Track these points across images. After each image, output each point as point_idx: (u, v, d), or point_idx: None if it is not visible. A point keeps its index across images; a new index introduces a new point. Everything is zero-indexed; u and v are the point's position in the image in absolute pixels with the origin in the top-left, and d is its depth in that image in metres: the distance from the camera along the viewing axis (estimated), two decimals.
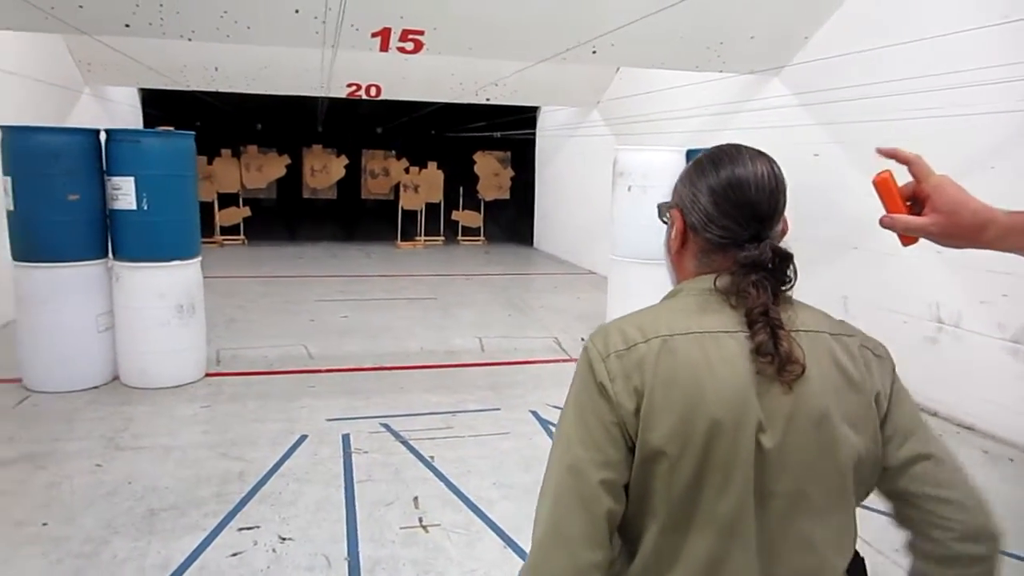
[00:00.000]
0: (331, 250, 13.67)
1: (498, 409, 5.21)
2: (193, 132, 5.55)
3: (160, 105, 13.15)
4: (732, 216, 1.11)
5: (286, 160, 14.29)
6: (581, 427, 1.07)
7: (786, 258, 1.10)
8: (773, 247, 1.09)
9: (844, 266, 6.28)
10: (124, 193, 5.14)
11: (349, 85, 10.44)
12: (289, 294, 9.26)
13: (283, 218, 15.40)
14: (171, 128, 5.62)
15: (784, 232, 1.18)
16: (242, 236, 14.12)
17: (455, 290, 9.87)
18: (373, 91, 10.59)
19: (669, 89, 8.74)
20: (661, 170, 5.78)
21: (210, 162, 13.65)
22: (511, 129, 14.62)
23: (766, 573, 1.03)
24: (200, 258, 5.71)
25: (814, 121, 6.57)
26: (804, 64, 6.64)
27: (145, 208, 5.17)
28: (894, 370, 1.13)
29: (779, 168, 1.16)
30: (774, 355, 1.01)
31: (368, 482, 3.95)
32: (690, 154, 6.25)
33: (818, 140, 6.54)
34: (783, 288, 1.11)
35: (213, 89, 10.19)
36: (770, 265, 1.08)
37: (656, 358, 1.03)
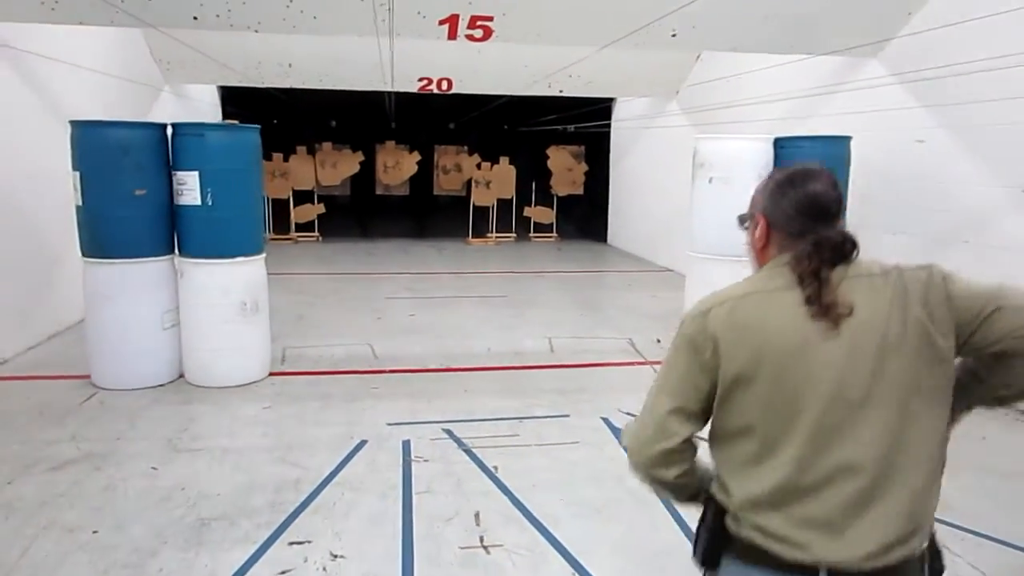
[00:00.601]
0: (403, 246, 13.62)
1: (567, 416, 4.89)
2: (258, 126, 5.43)
3: (239, 103, 13.38)
4: (810, 217, 1.43)
5: (360, 157, 14.32)
6: (667, 374, 1.49)
7: (848, 238, 1.41)
8: (842, 231, 1.42)
9: (953, 262, 5.64)
10: (189, 188, 5.07)
11: (421, 79, 10.29)
12: (358, 291, 9.18)
13: (356, 214, 15.50)
14: (236, 122, 5.52)
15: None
16: (316, 233, 14.23)
17: (525, 288, 9.59)
18: (445, 85, 10.41)
19: (753, 72, 8.20)
20: (746, 161, 5.33)
21: (286, 159, 13.81)
22: (585, 122, 14.23)
23: (839, 461, 1.32)
24: (264, 255, 5.60)
25: (918, 103, 5.97)
26: (906, 39, 6.03)
27: (210, 203, 5.08)
28: (944, 275, 1.41)
29: (838, 182, 1.48)
30: (819, 304, 1.33)
31: (427, 494, 3.70)
32: (778, 143, 5.78)
33: (922, 124, 5.93)
34: (845, 258, 1.40)
35: (287, 85, 10.23)
36: (839, 242, 1.40)
37: (727, 314, 1.40)
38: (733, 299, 1.43)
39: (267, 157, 13.65)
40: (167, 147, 5.17)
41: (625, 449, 1.54)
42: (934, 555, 1.41)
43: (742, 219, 1.58)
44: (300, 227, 14.17)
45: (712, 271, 5.82)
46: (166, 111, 9.92)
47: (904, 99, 6.10)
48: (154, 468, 3.93)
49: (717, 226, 5.69)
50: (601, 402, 5.12)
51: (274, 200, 13.91)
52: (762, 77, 7.95)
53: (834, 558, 1.31)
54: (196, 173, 5.04)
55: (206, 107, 12.34)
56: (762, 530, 1.37)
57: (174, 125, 5.24)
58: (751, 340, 1.36)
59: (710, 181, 5.68)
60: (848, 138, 5.73)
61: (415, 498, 3.65)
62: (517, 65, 10.10)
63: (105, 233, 5.03)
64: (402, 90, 10.45)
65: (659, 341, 6.85)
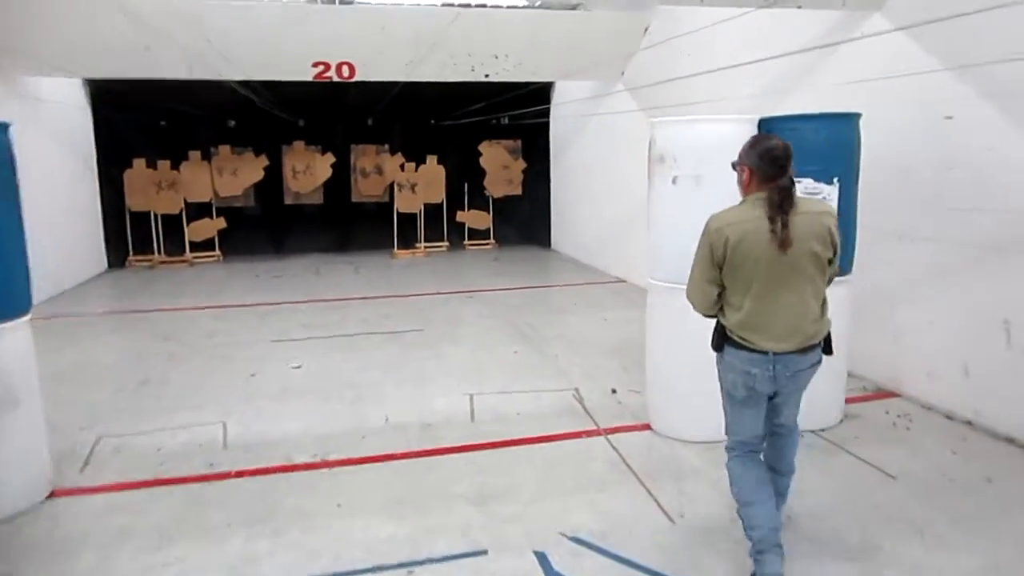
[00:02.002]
0: (317, 264, 11.76)
1: (484, 552, 3.21)
2: (8, 121, 3.57)
3: (117, 105, 11.30)
4: (770, 165, 2.74)
5: (264, 161, 12.39)
6: (700, 259, 2.88)
7: (792, 183, 2.76)
8: (790, 178, 2.75)
9: (1004, 276, 4.17)
10: None
11: (316, 65, 8.49)
12: (242, 332, 7.35)
13: (267, 228, 13.55)
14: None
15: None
16: (218, 252, 12.29)
17: (450, 315, 7.88)
18: (346, 71, 8.62)
19: (715, 36, 6.62)
20: (723, 150, 3.71)
21: (175, 166, 11.81)
22: (522, 112, 12.58)
23: (780, 306, 2.78)
24: (27, 317, 3.75)
25: (944, 66, 4.44)
26: None
27: None
28: (835, 223, 2.85)
29: (787, 144, 2.78)
30: (779, 241, 2.69)
31: None
32: (765, 125, 4.18)
33: (951, 95, 4.41)
34: (791, 196, 2.75)
35: (148, 76, 8.29)
36: (788, 186, 2.74)
37: (731, 231, 2.75)
38: (735, 223, 2.76)
39: (151, 165, 11.68)
40: None
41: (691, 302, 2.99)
42: (827, 340, 2.91)
43: (733, 165, 2.94)
44: (197, 246, 12.20)
45: (675, 306, 4.20)
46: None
47: (923, 61, 4.57)
48: None
49: (686, 241, 4.07)
50: (537, 518, 3.47)
51: (164, 216, 11.93)
52: (728, 42, 6.38)
53: (777, 349, 2.78)
54: None
55: (70, 111, 10.25)
56: (741, 336, 2.82)
57: None
58: (742, 248, 2.73)
59: (674, 181, 4.07)
60: (856, 116, 4.17)
61: None
62: (431, 46, 8.37)
63: None
64: (294, 79, 8.61)
65: (615, 391, 5.24)
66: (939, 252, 4.52)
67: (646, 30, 8.43)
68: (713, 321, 2.95)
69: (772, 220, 2.66)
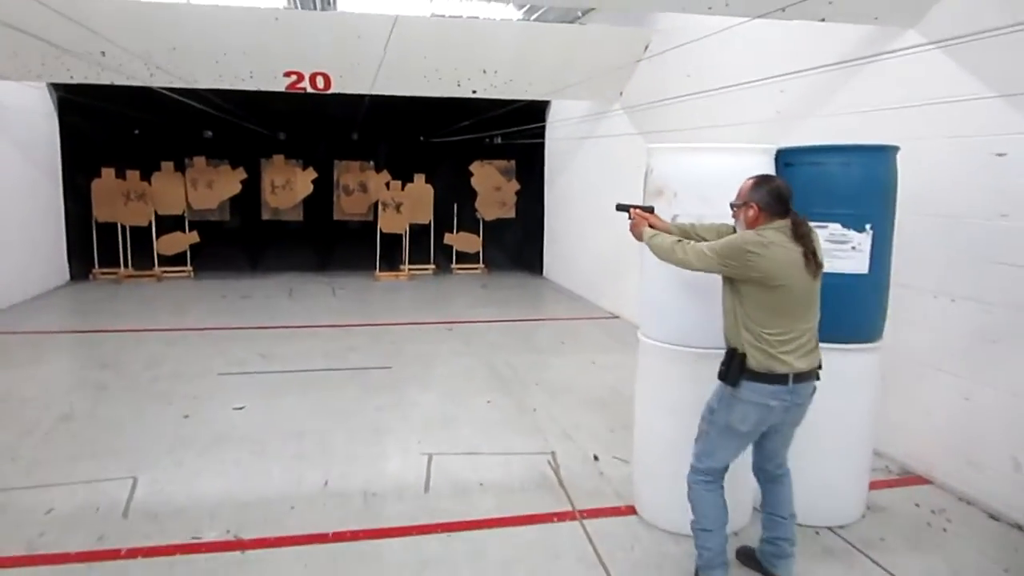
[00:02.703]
0: (293, 283, 11.05)
1: None
2: None
3: (86, 113, 10.63)
4: (779, 201, 2.83)
5: (241, 174, 11.72)
6: (721, 259, 2.86)
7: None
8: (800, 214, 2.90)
9: None
10: None
11: (288, 74, 7.83)
12: (190, 361, 6.62)
13: (243, 245, 12.83)
14: None
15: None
16: (188, 267, 11.58)
17: (425, 351, 7.16)
18: (320, 82, 7.97)
19: (723, 54, 5.99)
20: (736, 184, 3.03)
21: (145, 177, 11.13)
22: (516, 131, 11.94)
23: (804, 329, 2.85)
24: None
25: (994, 92, 3.77)
26: None
27: None
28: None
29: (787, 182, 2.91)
30: (814, 263, 2.81)
31: None
32: (783, 158, 3.51)
33: (1002, 127, 3.74)
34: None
35: (102, 81, 7.62)
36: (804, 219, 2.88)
37: (767, 251, 2.76)
38: (771, 244, 2.76)
39: (120, 175, 11.02)
40: None
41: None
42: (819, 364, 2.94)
43: (733, 205, 2.96)
44: (167, 261, 11.50)
45: (671, 372, 3.51)
46: None
47: (968, 86, 3.90)
48: None
49: (685, 296, 3.38)
50: None
51: (133, 229, 11.24)
52: (736, 61, 5.74)
53: (798, 368, 2.83)
54: None
55: (28, 116, 9.58)
56: (764, 364, 2.81)
57: None
58: (782, 272, 2.76)
59: (673, 220, 3.39)
60: (894, 149, 3.47)
61: None
62: (414, 57, 7.73)
63: None
64: (265, 88, 7.95)
65: (597, 459, 4.51)
66: (984, 314, 3.81)
67: (646, 47, 7.79)
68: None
69: (806, 249, 2.78)
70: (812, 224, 2.93)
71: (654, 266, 3.36)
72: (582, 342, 7.65)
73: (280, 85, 7.91)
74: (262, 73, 7.73)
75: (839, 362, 3.34)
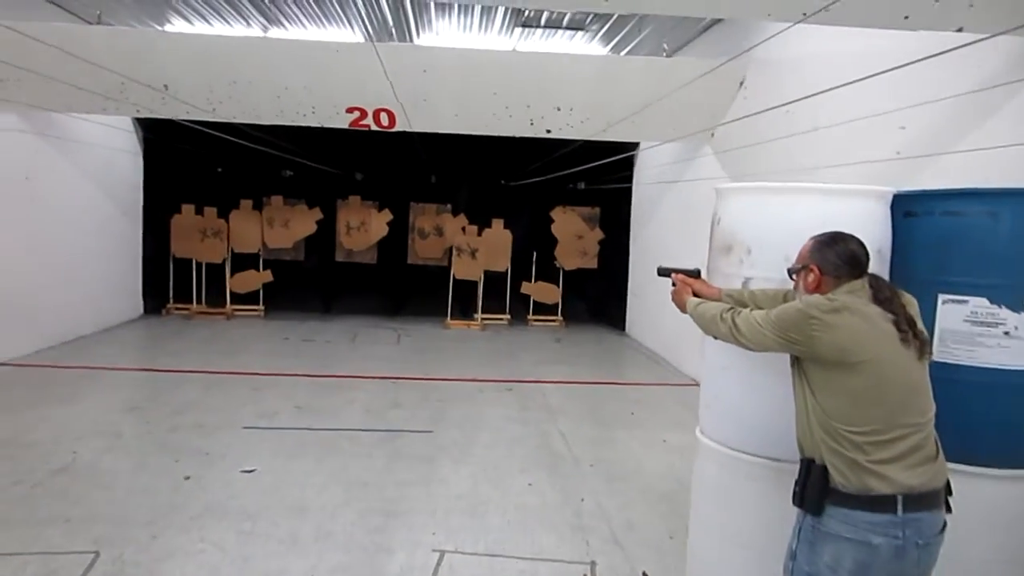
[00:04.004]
0: (360, 328, 10.62)
1: None
2: None
3: (168, 152, 10.74)
4: (854, 267, 2.15)
5: (317, 214, 11.52)
6: (779, 333, 2.16)
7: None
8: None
9: None
10: None
11: (350, 110, 7.45)
12: (220, 409, 6.14)
13: (317, 285, 12.60)
14: None
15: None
16: (260, 306, 11.39)
17: (474, 414, 6.40)
18: (384, 119, 7.54)
19: (829, 86, 5.06)
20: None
21: (222, 214, 11.09)
22: (604, 174, 11.21)
23: (910, 428, 2.02)
24: None
25: None
26: None
27: None
28: None
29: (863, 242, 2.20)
30: (909, 334, 2.06)
31: None
32: (902, 204, 2.60)
33: None
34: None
35: (165, 115, 7.48)
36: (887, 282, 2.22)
37: (854, 320, 2.05)
38: (844, 309, 2.05)
39: (198, 212, 11.02)
40: None
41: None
42: (948, 487, 2.14)
43: (791, 272, 2.30)
44: (240, 299, 11.36)
45: (739, 490, 2.60)
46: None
47: None
48: None
49: (757, 385, 2.49)
50: None
51: (209, 266, 11.18)
52: (846, 92, 4.80)
53: (913, 484, 1.99)
54: None
55: (110, 153, 9.67)
56: (860, 480, 2.00)
57: None
58: (858, 340, 2.05)
59: (745, 285, 2.53)
60: None
61: None
62: (483, 94, 7.17)
63: None
64: (327, 124, 7.59)
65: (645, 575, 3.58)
66: None
67: (741, 83, 6.92)
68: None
69: (897, 317, 2.08)
70: (947, 298, 2.04)
71: (714, 341, 2.49)
72: (655, 414, 6.69)
73: (343, 122, 7.54)
74: (324, 108, 7.39)
75: (990, 493, 2.36)
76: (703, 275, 2.81)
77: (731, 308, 2.31)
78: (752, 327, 2.20)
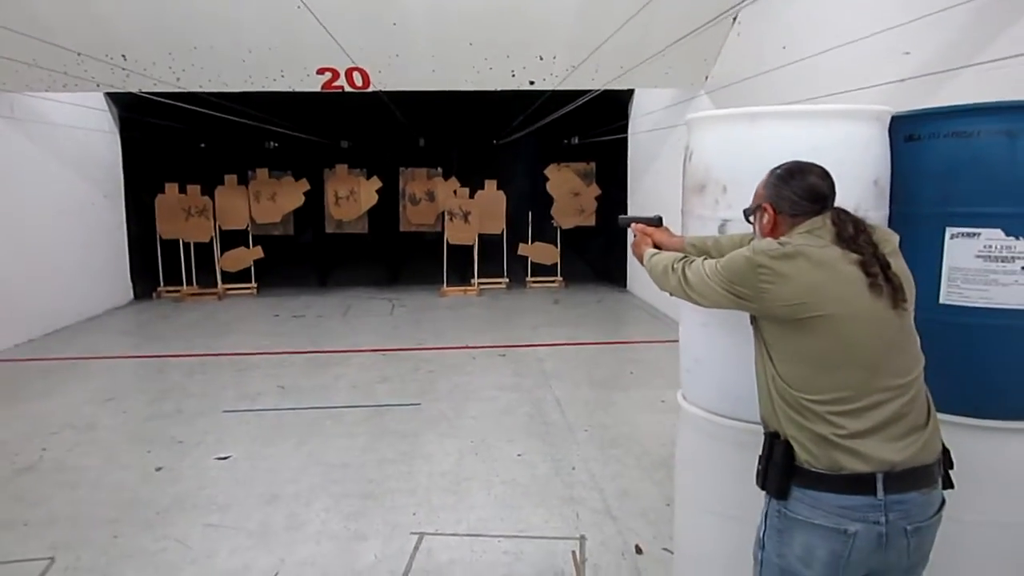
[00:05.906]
0: (353, 300, 10.35)
1: None
2: None
3: (146, 130, 10.38)
4: (811, 201, 1.78)
5: (304, 186, 11.18)
6: (727, 284, 1.84)
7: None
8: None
9: None
10: None
11: (321, 71, 7.07)
12: (201, 393, 5.91)
13: (310, 259, 12.32)
14: None
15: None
16: (252, 284, 11.13)
17: (464, 384, 6.13)
18: (358, 79, 7.16)
19: (825, 11, 4.68)
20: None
21: (206, 191, 10.76)
22: (597, 127, 10.77)
23: (889, 391, 1.68)
24: None
25: None
26: None
27: None
28: None
29: (828, 172, 1.81)
30: (880, 280, 1.68)
31: None
32: (898, 124, 2.24)
33: None
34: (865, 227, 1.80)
35: (129, 89, 7.12)
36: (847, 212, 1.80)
37: (791, 264, 1.70)
38: (798, 255, 1.69)
39: (181, 190, 10.70)
40: None
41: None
42: (947, 457, 1.80)
43: (747, 213, 1.94)
44: (231, 277, 11.09)
45: (718, 456, 2.31)
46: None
47: None
48: None
49: (736, 342, 2.17)
50: None
51: (197, 245, 10.90)
52: (844, 15, 4.41)
53: (895, 460, 1.66)
54: None
55: (86, 135, 9.32)
56: (830, 459, 1.66)
57: None
58: (811, 291, 1.69)
59: (721, 229, 2.21)
60: None
61: None
62: (459, 46, 6.77)
63: None
64: (298, 88, 7.21)
65: (640, 551, 3.32)
66: None
67: (734, 20, 6.47)
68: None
69: (864, 257, 1.69)
70: (956, 231, 1.71)
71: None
72: (653, 372, 6.40)
73: (315, 84, 7.17)
74: (293, 71, 7.02)
75: (1000, 450, 2.05)
76: (669, 223, 2.46)
77: (684, 257, 1.98)
78: (701, 279, 1.85)
